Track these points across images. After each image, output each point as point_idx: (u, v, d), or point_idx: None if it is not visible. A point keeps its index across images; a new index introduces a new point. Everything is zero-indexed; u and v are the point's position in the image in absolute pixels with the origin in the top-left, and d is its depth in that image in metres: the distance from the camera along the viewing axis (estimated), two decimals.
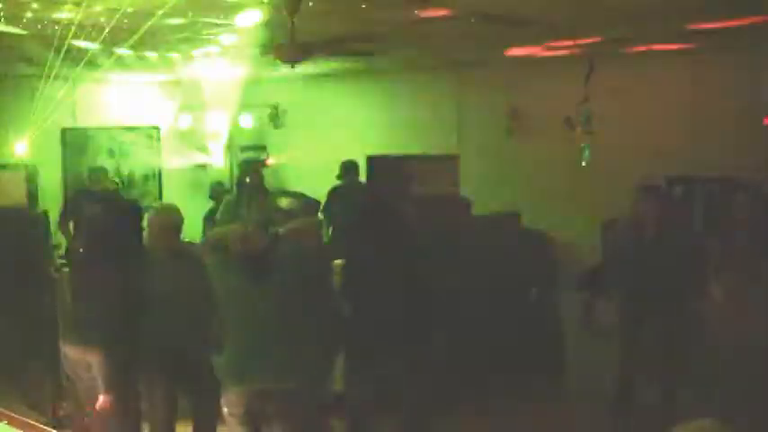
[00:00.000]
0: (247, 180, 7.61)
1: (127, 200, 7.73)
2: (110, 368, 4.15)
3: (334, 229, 7.75)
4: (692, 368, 4.99)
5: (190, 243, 5.33)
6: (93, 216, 4.62)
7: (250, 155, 9.63)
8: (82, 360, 4.27)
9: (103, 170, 7.92)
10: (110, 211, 5.38)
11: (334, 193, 8.05)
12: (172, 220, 4.67)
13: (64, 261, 6.58)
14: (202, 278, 4.45)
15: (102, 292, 4.16)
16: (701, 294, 4.42)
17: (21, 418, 3.76)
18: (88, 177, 7.74)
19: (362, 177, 8.38)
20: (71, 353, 4.36)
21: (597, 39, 6.18)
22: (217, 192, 8.43)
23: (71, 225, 7.23)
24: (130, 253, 4.33)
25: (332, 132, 9.17)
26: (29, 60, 6.56)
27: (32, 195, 7.73)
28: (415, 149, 8.62)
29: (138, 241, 4.75)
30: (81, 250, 4.44)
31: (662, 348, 5.19)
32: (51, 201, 8.18)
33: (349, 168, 8.14)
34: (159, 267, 4.34)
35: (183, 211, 4.71)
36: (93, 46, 5.43)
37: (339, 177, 8.07)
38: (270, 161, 9.60)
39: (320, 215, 7.68)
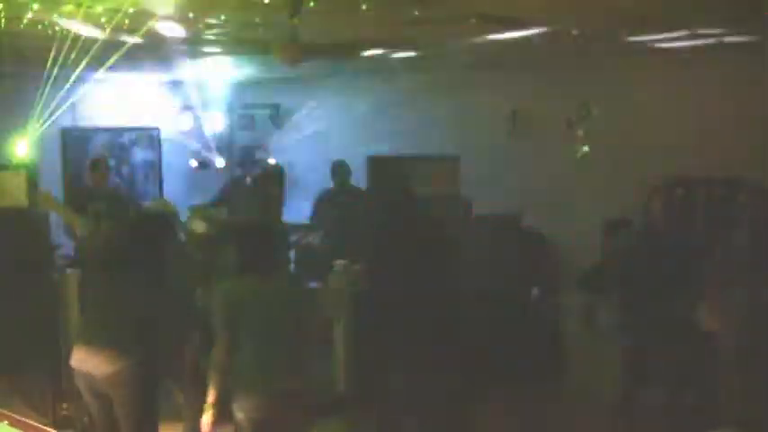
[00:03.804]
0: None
1: (130, 199, 7.72)
2: (139, 381, 3.97)
3: (325, 232, 7.69)
4: (694, 371, 4.98)
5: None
6: (101, 218, 4.56)
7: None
8: (99, 374, 4.00)
9: (103, 161, 7.87)
10: (117, 211, 5.33)
11: (323, 195, 7.93)
12: (165, 216, 4.72)
13: (65, 262, 6.58)
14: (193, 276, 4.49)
15: (130, 298, 4.03)
16: (702, 297, 4.41)
17: (21, 418, 3.76)
18: (88, 169, 7.72)
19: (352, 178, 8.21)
20: (87, 366, 4.06)
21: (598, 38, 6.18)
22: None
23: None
24: (145, 254, 4.23)
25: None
26: (29, 60, 6.54)
27: (33, 195, 7.71)
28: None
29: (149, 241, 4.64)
30: (93, 255, 4.31)
31: (664, 350, 5.18)
32: None
33: (339, 169, 8.07)
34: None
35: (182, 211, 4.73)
36: (93, 46, 5.42)
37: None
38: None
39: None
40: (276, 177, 7.38)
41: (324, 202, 7.89)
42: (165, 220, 4.57)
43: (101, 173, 7.56)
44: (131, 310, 4.01)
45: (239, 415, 3.82)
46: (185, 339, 4.49)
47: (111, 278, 4.12)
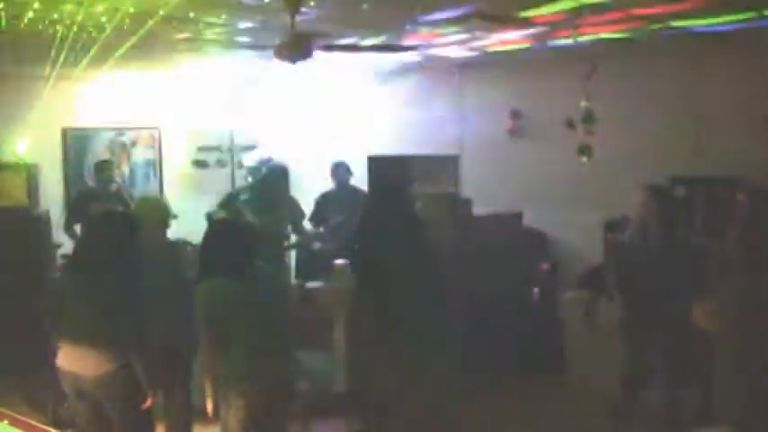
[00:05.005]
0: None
1: (131, 200, 7.70)
2: (128, 383, 3.97)
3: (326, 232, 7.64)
4: (694, 368, 4.98)
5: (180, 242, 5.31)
6: (99, 218, 4.54)
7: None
8: (87, 376, 4.00)
9: (109, 163, 7.94)
10: (115, 212, 5.30)
11: (324, 197, 7.88)
12: (159, 213, 4.71)
13: (66, 262, 6.57)
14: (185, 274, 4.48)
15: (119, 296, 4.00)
16: (702, 296, 4.41)
17: (22, 418, 3.76)
18: (94, 171, 7.76)
19: (353, 178, 8.16)
20: (73, 366, 4.07)
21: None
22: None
23: (77, 228, 7.21)
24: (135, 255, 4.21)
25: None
26: (29, 60, 6.56)
27: (33, 195, 7.72)
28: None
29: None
30: (86, 253, 4.29)
31: (664, 349, 5.19)
32: (52, 201, 8.18)
33: (338, 170, 8.02)
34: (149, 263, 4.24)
35: (183, 212, 4.71)
36: (93, 46, 5.43)
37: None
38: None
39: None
40: (282, 177, 7.27)
41: (324, 204, 7.86)
42: (124, 220, 4.44)
43: (106, 174, 7.61)
44: (111, 312, 3.97)
45: (231, 406, 3.86)
46: (173, 343, 4.45)
47: (88, 278, 4.09)
